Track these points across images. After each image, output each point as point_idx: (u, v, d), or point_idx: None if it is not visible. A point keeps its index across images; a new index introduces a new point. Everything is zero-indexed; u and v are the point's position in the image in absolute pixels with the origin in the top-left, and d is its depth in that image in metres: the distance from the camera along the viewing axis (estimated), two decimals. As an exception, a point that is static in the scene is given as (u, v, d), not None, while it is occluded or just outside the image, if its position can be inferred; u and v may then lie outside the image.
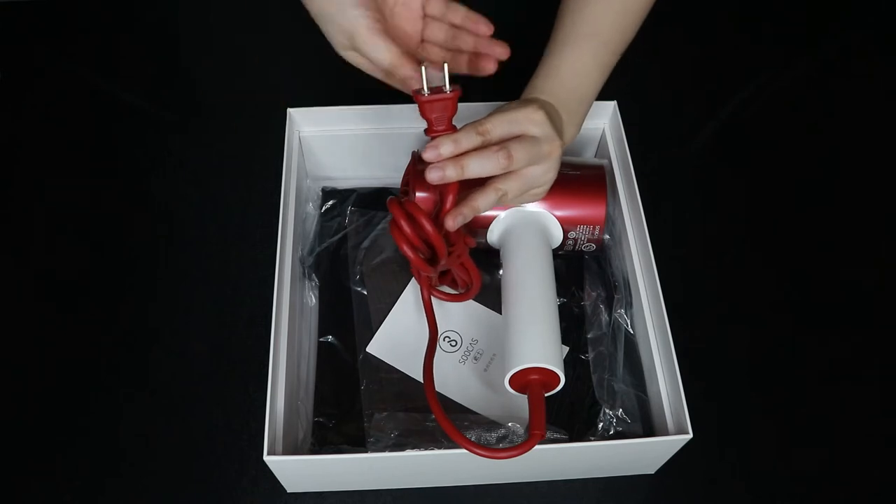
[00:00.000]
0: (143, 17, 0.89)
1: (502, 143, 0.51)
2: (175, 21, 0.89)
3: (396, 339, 0.62)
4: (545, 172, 0.53)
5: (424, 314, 0.61)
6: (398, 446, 0.55)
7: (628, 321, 0.61)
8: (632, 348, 0.60)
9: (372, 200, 0.69)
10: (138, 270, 0.69)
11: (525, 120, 0.52)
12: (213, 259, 0.69)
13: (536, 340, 0.53)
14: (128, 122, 0.79)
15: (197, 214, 0.73)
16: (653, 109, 0.79)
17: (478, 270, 0.58)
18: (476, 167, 0.50)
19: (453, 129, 0.51)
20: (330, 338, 0.62)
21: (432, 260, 0.54)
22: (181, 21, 0.89)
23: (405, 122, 0.66)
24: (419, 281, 0.60)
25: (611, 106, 0.66)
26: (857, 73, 0.85)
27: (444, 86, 0.49)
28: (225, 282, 0.68)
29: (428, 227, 0.52)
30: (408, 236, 0.52)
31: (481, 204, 0.51)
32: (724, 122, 0.80)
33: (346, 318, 0.63)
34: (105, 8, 0.88)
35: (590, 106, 0.58)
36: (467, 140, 0.50)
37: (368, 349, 0.61)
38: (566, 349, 0.61)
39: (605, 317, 0.62)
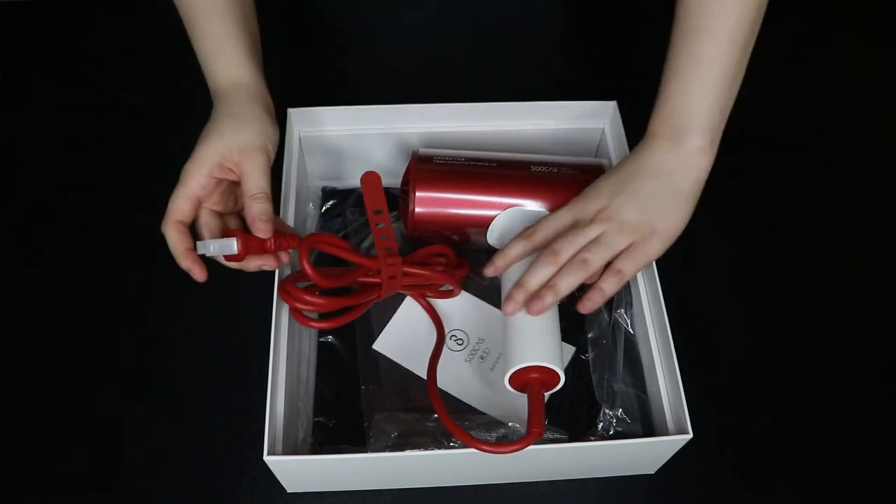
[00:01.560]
0: (143, 16, 0.89)
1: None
2: (175, 21, 0.89)
3: (403, 336, 0.62)
4: (651, 254, 0.54)
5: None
6: (398, 446, 0.55)
7: (628, 321, 0.61)
8: (632, 348, 0.60)
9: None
10: (138, 270, 0.69)
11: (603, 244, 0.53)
12: (214, 259, 0.69)
13: (535, 339, 0.53)
14: (128, 122, 0.79)
15: (197, 214, 0.73)
16: (651, 110, 0.79)
17: (432, 271, 0.59)
18: (565, 286, 0.53)
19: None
20: (330, 338, 0.62)
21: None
22: (181, 21, 0.89)
23: (405, 122, 0.66)
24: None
25: (611, 106, 0.66)
26: (858, 71, 0.85)
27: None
28: (225, 282, 0.67)
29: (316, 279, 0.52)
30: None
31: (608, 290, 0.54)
32: (725, 122, 0.80)
33: (347, 318, 0.63)
34: (105, 8, 0.88)
35: (725, 116, 0.56)
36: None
37: (375, 346, 0.61)
38: (572, 349, 0.61)
39: (605, 317, 0.62)
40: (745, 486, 0.59)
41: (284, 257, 0.54)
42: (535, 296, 0.52)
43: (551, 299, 0.52)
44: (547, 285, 0.52)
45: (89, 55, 0.84)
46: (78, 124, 0.79)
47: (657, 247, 0.53)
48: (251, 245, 0.52)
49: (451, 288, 0.61)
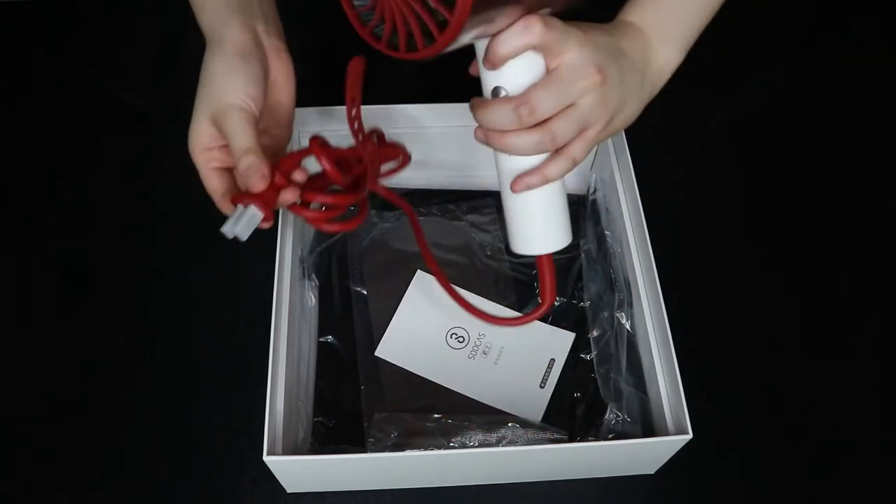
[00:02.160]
0: (143, 16, 0.89)
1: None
2: (175, 21, 0.89)
3: (404, 339, 0.62)
4: (592, 109, 0.47)
5: (429, 312, 0.61)
6: (398, 446, 0.55)
7: (629, 321, 0.61)
8: (632, 348, 0.60)
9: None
10: (138, 270, 0.69)
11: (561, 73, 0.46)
12: (214, 259, 0.69)
13: (538, 225, 0.51)
14: (128, 122, 0.79)
15: (197, 214, 0.73)
16: (652, 109, 0.79)
17: (389, 146, 0.56)
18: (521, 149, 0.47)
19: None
20: (330, 338, 0.63)
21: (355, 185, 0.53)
22: (182, 21, 0.89)
23: (405, 122, 0.66)
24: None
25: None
26: (859, 70, 0.85)
27: None
28: (225, 282, 0.68)
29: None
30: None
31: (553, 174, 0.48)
32: (725, 122, 0.80)
33: (346, 318, 0.63)
34: (105, 8, 0.88)
35: (698, 29, 0.54)
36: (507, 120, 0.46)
37: (378, 353, 0.61)
38: (572, 335, 0.62)
39: (605, 316, 0.62)
40: (746, 487, 0.59)
41: (300, 175, 0.50)
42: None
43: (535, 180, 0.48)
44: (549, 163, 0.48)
45: (89, 55, 0.84)
46: (78, 124, 0.79)
47: (615, 130, 0.51)
48: (268, 197, 0.49)
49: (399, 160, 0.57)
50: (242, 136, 0.49)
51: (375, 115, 0.65)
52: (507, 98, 0.46)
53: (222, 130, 0.50)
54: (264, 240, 0.61)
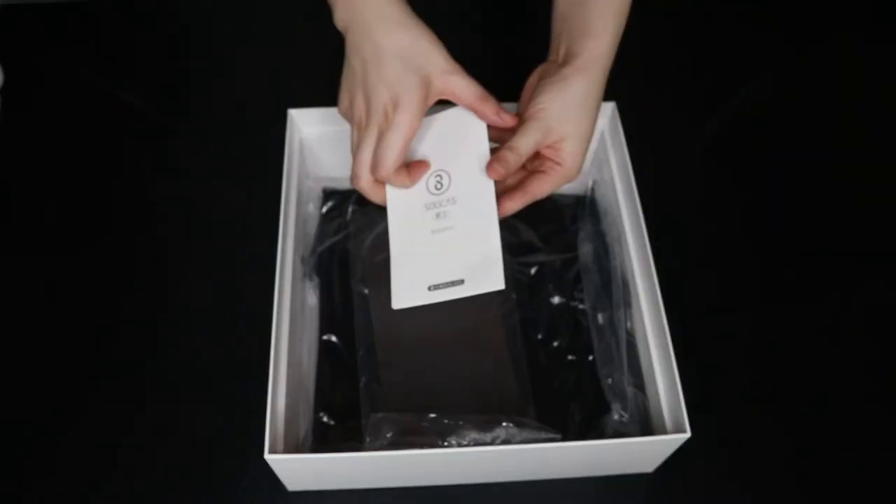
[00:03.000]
0: (144, 17, 0.89)
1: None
2: (176, 22, 0.89)
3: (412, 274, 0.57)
4: None
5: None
6: (394, 446, 0.55)
7: (627, 321, 0.62)
8: (630, 348, 0.61)
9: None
10: (138, 270, 0.69)
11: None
12: (214, 259, 0.70)
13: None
14: (128, 123, 0.79)
15: (197, 215, 0.73)
16: (651, 110, 0.79)
17: None
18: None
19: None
20: (332, 337, 0.63)
21: None
22: (182, 22, 0.89)
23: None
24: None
25: (610, 107, 0.66)
26: (859, 70, 0.85)
27: None
28: (225, 282, 0.68)
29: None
30: None
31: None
32: (724, 123, 0.81)
33: (347, 317, 0.64)
34: (106, 9, 0.88)
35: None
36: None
37: (395, 305, 0.56)
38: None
39: (604, 317, 0.62)
40: (744, 485, 0.59)
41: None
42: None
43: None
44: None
45: (90, 56, 0.84)
46: (79, 125, 0.79)
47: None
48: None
49: None
50: (475, 84, 0.53)
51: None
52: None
53: (443, 90, 0.53)
54: (265, 240, 0.62)
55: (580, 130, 0.54)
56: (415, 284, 0.55)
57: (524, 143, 0.53)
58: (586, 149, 0.55)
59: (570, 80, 0.54)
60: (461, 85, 0.53)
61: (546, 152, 0.55)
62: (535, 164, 0.56)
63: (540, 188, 0.55)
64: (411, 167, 0.55)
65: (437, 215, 0.56)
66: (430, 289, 0.55)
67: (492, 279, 0.53)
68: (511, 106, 0.58)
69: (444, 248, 0.55)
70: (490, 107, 0.53)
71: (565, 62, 0.55)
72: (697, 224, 0.73)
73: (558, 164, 0.55)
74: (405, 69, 0.51)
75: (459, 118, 0.57)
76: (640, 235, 0.60)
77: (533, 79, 0.58)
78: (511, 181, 0.57)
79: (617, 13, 0.56)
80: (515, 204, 0.55)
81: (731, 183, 0.76)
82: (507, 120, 0.54)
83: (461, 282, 0.54)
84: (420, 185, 0.56)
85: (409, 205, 0.56)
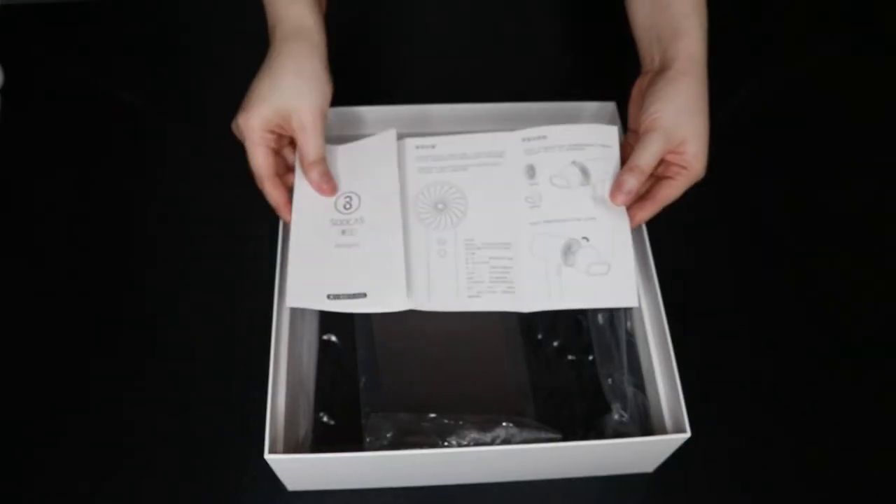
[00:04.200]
0: (143, 17, 0.89)
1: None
2: (176, 21, 0.89)
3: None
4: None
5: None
6: (394, 445, 0.55)
7: (628, 321, 0.62)
8: (630, 348, 0.61)
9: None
10: (138, 270, 0.69)
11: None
12: (214, 259, 0.69)
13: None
14: (127, 123, 0.79)
15: (197, 214, 0.73)
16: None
17: None
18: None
19: None
20: (331, 337, 0.63)
21: None
22: (182, 21, 0.89)
23: (405, 123, 0.66)
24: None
25: (610, 106, 0.66)
26: (860, 70, 0.85)
27: None
28: (225, 282, 0.68)
29: None
30: None
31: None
32: (724, 123, 0.80)
33: (347, 317, 0.63)
34: (106, 9, 0.88)
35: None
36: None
37: (289, 303, 0.57)
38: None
39: (604, 316, 0.62)
40: (745, 486, 0.60)
41: None
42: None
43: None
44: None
45: (89, 55, 0.84)
46: (78, 124, 0.79)
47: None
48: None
49: None
50: (319, 146, 0.56)
51: (392, 116, 0.65)
52: None
53: (298, 130, 0.55)
54: (265, 240, 0.62)
55: (698, 130, 0.55)
56: (313, 288, 0.56)
57: (645, 158, 0.54)
58: (707, 146, 0.55)
59: (676, 83, 0.55)
60: (305, 141, 0.55)
61: (670, 158, 0.56)
62: (659, 169, 0.57)
63: (669, 193, 0.56)
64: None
65: (343, 232, 0.57)
66: (329, 297, 0.56)
67: (396, 298, 0.55)
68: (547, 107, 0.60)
69: (348, 262, 0.56)
70: (314, 174, 0.56)
71: (665, 67, 0.56)
72: (698, 224, 0.73)
73: (683, 167, 0.55)
74: (281, 86, 0.55)
75: (374, 146, 0.60)
76: (640, 235, 0.60)
77: (635, 93, 0.59)
78: (641, 189, 0.57)
79: (699, 7, 0.57)
80: (646, 213, 0.57)
81: (731, 182, 0.76)
82: (325, 191, 0.57)
83: (363, 295, 0.55)
84: (328, 203, 0.58)
85: (315, 217, 0.58)
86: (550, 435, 0.56)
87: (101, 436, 0.61)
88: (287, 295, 0.56)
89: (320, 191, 0.57)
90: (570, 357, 0.62)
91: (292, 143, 0.58)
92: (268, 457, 0.49)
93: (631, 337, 0.61)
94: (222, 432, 0.60)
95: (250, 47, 0.86)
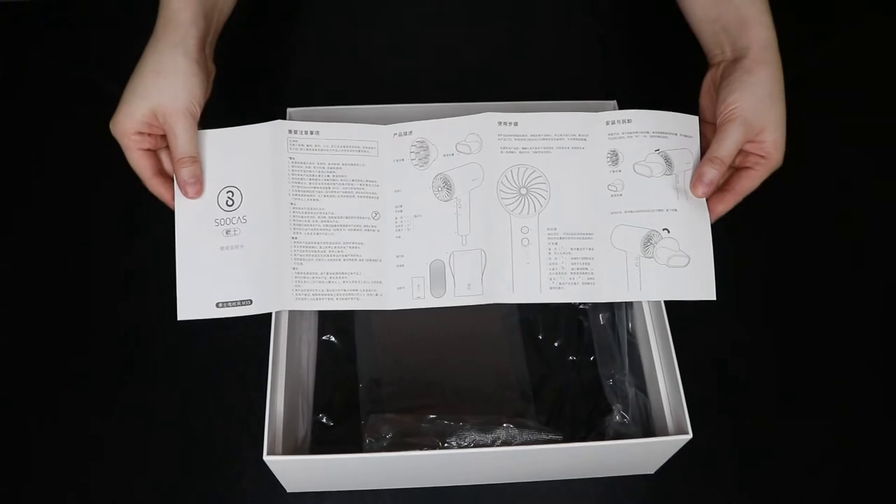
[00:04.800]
0: (143, 16, 0.89)
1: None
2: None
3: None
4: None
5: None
6: (394, 447, 0.55)
7: (629, 321, 0.61)
8: (632, 348, 0.60)
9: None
10: (138, 270, 0.69)
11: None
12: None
13: None
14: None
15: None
16: (653, 109, 0.79)
17: None
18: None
19: None
20: (331, 337, 0.63)
21: None
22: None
23: (404, 121, 0.66)
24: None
25: (610, 106, 0.66)
26: (860, 69, 0.85)
27: None
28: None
29: None
30: None
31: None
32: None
33: (347, 317, 0.63)
34: (105, 8, 0.88)
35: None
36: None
37: (181, 316, 0.55)
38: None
39: (605, 317, 0.62)
40: (745, 487, 0.59)
41: None
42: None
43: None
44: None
45: (89, 54, 0.84)
46: (77, 124, 0.79)
47: None
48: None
49: None
50: (190, 143, 0.54)
51: (391, 114, 0.65)
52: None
53: (166, 127, 0.54)
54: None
55: (777, 118, 0.55)
56: (202, 298, 0.55)
57: (725, 149, 0.54)
58: (784, 134, 0.55)
59: (753, 72, 0.55)
60: (170, 138, 0.54)
61: (749, 147, 0.55)
62: (738, 160, 0.57)
63: (748, 184, 0.56)
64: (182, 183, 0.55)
65: (227, 232, 0.56)
66: (217, 305, 0.55)
67: (283, 299, 0.54)
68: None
69: (232, 266, 0.55)
70: (181, 174, 0.54)
71: (739, 57, 0.56)
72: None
73: (762, 156, 0.55)
74: (142, 85, 0.54)
75: (260, 133, 0.57)
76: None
77: (707, 85, 0.60)
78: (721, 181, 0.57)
79: None
80: (726, 205, 0.56)
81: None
82: (189, 193, 0.55)
83: (249, 301, 0.55)
84: (210, 199, 0.56)
85: (197, 217, 0.56)
86: (551, 436, 0.56)
87: (101, 436, 0.60)
88: (178, 308, 0.55)
89: (184, 192, 0.55)
90: (571, 358, 0.62)
91: None
92: (267, 458, 0.49)
93: (632, 337, 0.61)
94: (222, 433, 0.60)
95: (250, 46, 0.86)
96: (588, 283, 0.56)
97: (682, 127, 0.58)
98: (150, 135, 0.55)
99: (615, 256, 0.56)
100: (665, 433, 0.54)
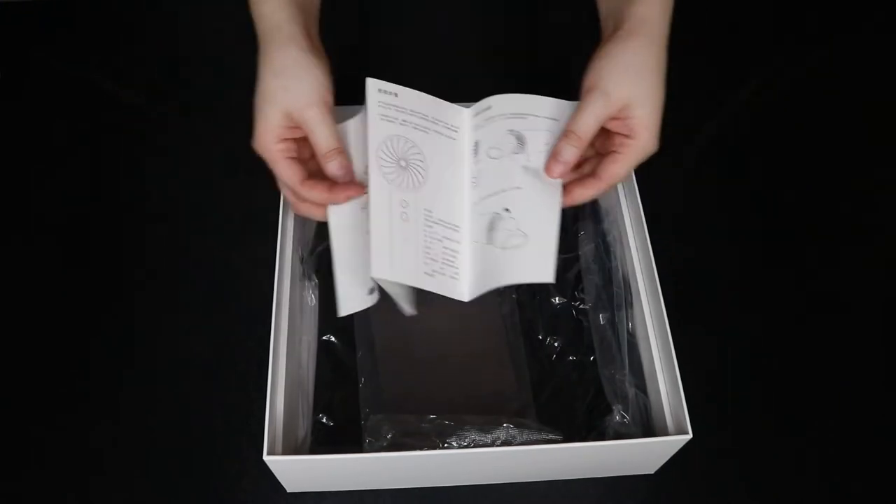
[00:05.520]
0: (143, 15, 0.89)
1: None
2: (175, 20, 0.89)
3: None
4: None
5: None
6: (394, 447, 0.55)
7: (629, 321, 0.61)
8: (632, 348, 0.60)
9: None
10: (137, 270, 0.69)
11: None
12: (214, 259, 0.69)
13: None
14: (127, 122, 0.79)
15: (197, 214, 0.73)
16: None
17: None
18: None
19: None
20: (331, 337, 0.63)
21: None
22: (181, 20, 0.89)
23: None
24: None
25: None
26: (859, 70, 0.85)
27: None
28: (225, 282, 0.68)
29: None
30: None
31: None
32: (725, 122, 0.80)
33: (346, 317, 0.63)
34: (104, 7, 0.88)
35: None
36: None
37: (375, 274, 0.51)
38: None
39: (606, 317, 0.62)
40: (746, 487, 0.59)
41: None
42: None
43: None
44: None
45: (88, 54, 0.84)
46: (77, 123, 0.79)
47: None
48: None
49: None
50: (331, 136, 0.50)
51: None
52: None
53: (303, 125, 0.50)
54: (264, 240, 0.62)
55: (644, 93, 0.49)
56: (357, 291, 0.53)
57: (583, 121, 0.49)
58: (658, 113, 0.49)
59: (621, 43, 0.49)
60: (311, 134, 0.50)
61: (613, 126, 0.50)
62: (605, 145, 0.51)
63: (615, 171, 0.50)
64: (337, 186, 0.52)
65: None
66: (370, 292, 0.53)
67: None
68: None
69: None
70: (330, 168, 0.51)
71: (615, 30, 0.51)
72: (699, 224, 0.73)
73: (629, 137, 0.49)
74: (268, 92, 0.51)
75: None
76: (641, 235, 0.60)
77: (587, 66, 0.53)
78: (587, 168, 0.53)
79: None
80: (590, 191, 0.51)
81: (732, 182, 0.76)
82: (344, 188, 0.51)
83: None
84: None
85: (351, 207, 0.53)
86: (551, 436, 0.56)
87: (99, 436, 0.60)
88: (338, 303, 0.52)
89: (340, 185, 0.51)
90: (571, 357, 0.62)
91: None
92: (267, 458, 0.49)
93: (632, 337, 0.61)
94: (222, 433, 0.60)
95: (251, 45, 0.86)
96: (454, 279, 0.52)
97: (548, 110, 0.53)
98: (293, 140, 0.51)
99: (472, 249, 0.53)
100: (665, 433, 0.54)
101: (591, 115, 0.49)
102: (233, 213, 0.72)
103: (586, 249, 0.66)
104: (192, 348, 0.64)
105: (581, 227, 0.67)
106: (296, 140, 0.51)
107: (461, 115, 0.56)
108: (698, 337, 0.63)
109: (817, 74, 0.84)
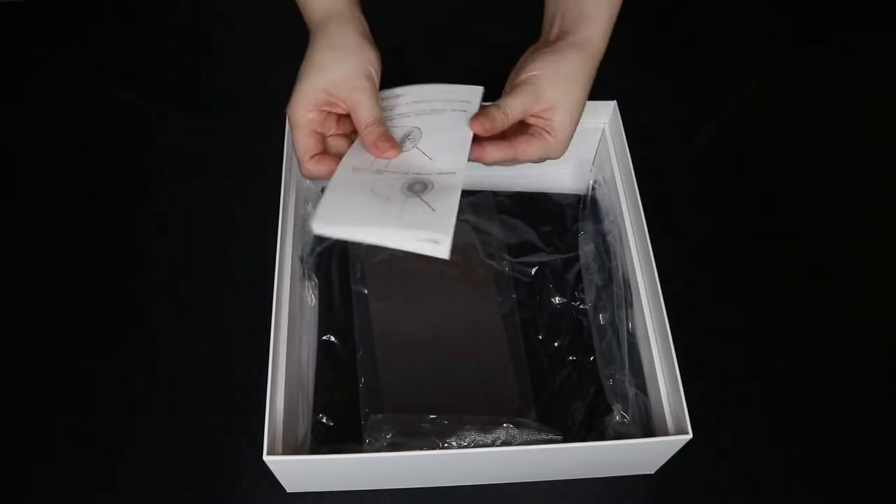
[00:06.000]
0: (143, 16, 0.89)
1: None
2: (175, 20, 0.89)
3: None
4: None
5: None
6: (394, 447, 0.55)
7: (629, 321, 0.61)
8: (632, 348, 0.60)
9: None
10: (137, 269, 0.69)
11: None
12: (213, 259, 0.69)
13: None
14: (127, 122, 0.79)
15: (197, 214, 0.73)
16: (653, 109, 0.79)
17: None
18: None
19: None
20: (331, 337, 0.63)
21: None
22: (181, 20, 0.89)
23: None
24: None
25: (611, 106, 0.66)
26: (859, 70, 0.85)
27: None
28: (225, 282, 0.68)
29: None
30: None
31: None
32: (725, 122, 0.80)
33: (346, 317, 0.63)
34: (105, 7, 0.88)
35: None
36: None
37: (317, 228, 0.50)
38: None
39: (606, 317, 0.62)
40: (745, 487, 0.59)
41: None
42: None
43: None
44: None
45: (89, 54, 0.84)
46: (77, 123, 0.79)
47: None
48: None
49: None
50: (374, 107, 0.53)
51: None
52: None
53: (348, 100, 0.53)
54: (263, 240, 0.62)
55: (570, 101, 0.54)
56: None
57: (513, 105, 0.53)
58: (574, 125, 0.54)
59: (563, 53, 0.54)
60: (354, 106, 0.53)
61: (535, 121, 0.54)
62: (524, 130, 0.55)
63: (524, 149, 0.54)
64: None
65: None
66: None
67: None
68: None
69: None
70: (369, 136, 0.52)
71: (559, 39, 0.56)
72: (699, 224, 0.73)
73: (547, 132, 0.54)
74: (319, 61, 0.53)
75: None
76: (641, 235, 0.60)
77: (526, 55, 0.58)
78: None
79: (611, 2, 0.56)
80: (498, 152, 0.54)
81: (732, 182, 0.76)
82: (382, 149, 0.52)
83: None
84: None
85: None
86: (551, 436, 0.56)
87: (99, 436, 0.60)
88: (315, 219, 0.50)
89: (377, 151, 0.52)
90: (571, 357, 0.62)
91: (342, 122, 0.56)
92: (267, 458, 0.49)
93: (632, 337, 0.61)
94: (222, 433, 0.60)
95: (250, 45, 0.86)
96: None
97: (456, 95, 0.57)
98: (326, 113, 0.54)
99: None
100: (665, 433, 0.54)
101: (520, 104, 0.53)
102: (233, 212, 0.72)
103: (586, 249, 0.66)
104: (192, 348, 0.64)
105: (581, 227, 0.67)
106: (325, 114, 0.54)
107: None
108: (698, 337, 0.64)
109: (817, 74, 0.84)
